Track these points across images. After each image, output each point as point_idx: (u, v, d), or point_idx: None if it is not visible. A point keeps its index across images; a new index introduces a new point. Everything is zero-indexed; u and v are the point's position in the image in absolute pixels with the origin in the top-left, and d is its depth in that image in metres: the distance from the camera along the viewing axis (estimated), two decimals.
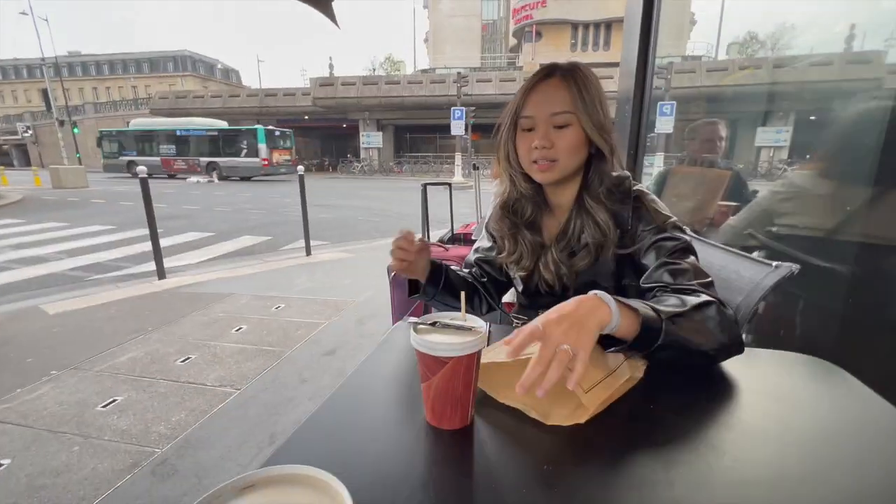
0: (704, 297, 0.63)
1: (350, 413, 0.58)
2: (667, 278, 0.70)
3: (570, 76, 0.76)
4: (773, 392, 0.61)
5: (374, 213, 8.64)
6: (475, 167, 3.28)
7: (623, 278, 0.80)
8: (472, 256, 0.98)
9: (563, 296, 0.88)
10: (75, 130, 24.40)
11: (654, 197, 0.80)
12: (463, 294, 0.60)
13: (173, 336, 2.64)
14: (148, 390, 2.04)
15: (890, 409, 0.58)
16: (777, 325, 1.22)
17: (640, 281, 0.75)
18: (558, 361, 0.48)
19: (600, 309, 0.54)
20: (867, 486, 0.44)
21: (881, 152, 1.08)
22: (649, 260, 0.75)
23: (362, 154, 24.20)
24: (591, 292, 0.57)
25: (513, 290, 1.14)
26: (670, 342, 0.57)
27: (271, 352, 2.42)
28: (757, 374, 0.63)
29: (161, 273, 3.89)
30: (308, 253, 4.79)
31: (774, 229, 1.30)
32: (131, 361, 2.32)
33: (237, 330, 2.72)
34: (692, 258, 0.73)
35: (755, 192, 1.93)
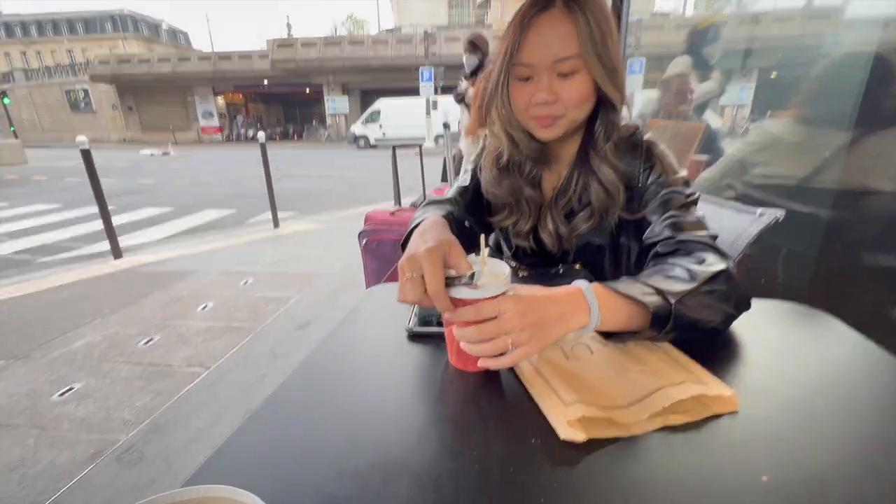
0: (714, 267, 0.56)
1: (301, 410, 0.52)
2: (669, 232, 0.65)
3: (574, 6, 0.61)
4: (763, 342, 0.59)
5: (343, 182, 8.37)
6: (445, 126, 3.15)
7: (620, 236, 0.75)
8: (452, 195, 0.86)
9: (562, 258, 0.82)
10: (6, 101, 22.22)
11: (665, 149, 0.73)
12: (483, 237, 0.53)
13: (134, 318, 2.49)
14: (109, 376, 1.92)
15: (874, 349, 0.56)
16: (757, 274, 1.22)
17: (643, 237, 0.69)
18: (493, 345, 0.47)
19: (576, 316, 0.49)
20: (865, 429, 0.42)
21: (861, 97, 1.05)
22: (654, 215, 0.69)
23: (328, 121, 23.24)
24: (577, 285, 0.52)
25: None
26: (679, 325, 0.51)
27: (241, 328, 2.32)
28: (746, 325, 0.60)
29: (117, 252, 3.65)
30: (276, 225, 4.59)
31: (750, 180, 1.28)
32: (88, 347, 2.17)
33: (203, 308, 2.59)
34: (699, 213, 0.67)
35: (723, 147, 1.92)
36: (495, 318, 0.46)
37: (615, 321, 0.51)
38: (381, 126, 17.24)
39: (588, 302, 0.49)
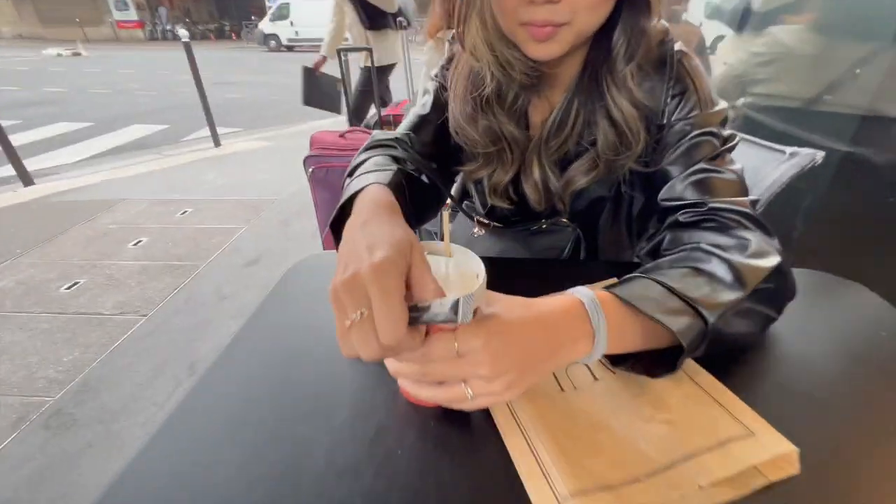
0: (765, 262, 0.40)
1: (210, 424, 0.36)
2: (695, 195, 0.48)
3: None
4: (804, 336, 0.47)
5: (291, 91, 7.51)
6: (401, 25, 2.68)
7: (622, 185, 0.58)
8: (402, 132, 0.64)
9: (551, 215, 0.65)
10: None
11: (699, 65, 0.53)
12: (445, 215, 0.37)
13: (52, 258, 2.18)
14: (26, 328, 1.70)
15: None
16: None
17: (659, 196, 0.53)
18: (444, 392, 0.33)
19: (574, 345, 0.34)
20: None
21: None
22: (676, 167, 0.51)
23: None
24: (577, 295, 0.36)
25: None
26: (711, 345, 0.37)
27: (181, 267, 2.09)
28: None
29: (25, 178, 3.15)
30: (216, 143, 4.09)
31: (753, 101, 1.12)
32: None
33: (135, 244, 2.30)
34: (737, 166, 0.50)
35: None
36: (453, 349, 0.30)
37: (625, 345, 0.37)
38: (292, 23, 15.04)
39: (592, 324, 0.34)
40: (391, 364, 0.33)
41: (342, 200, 0.46)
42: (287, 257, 2.19)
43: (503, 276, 0.55)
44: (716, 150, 0.49)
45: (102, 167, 3.59)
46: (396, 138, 0.61)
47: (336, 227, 0.46)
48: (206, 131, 4.13)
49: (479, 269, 0.33)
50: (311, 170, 1.77)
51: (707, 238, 0.44)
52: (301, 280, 0.60)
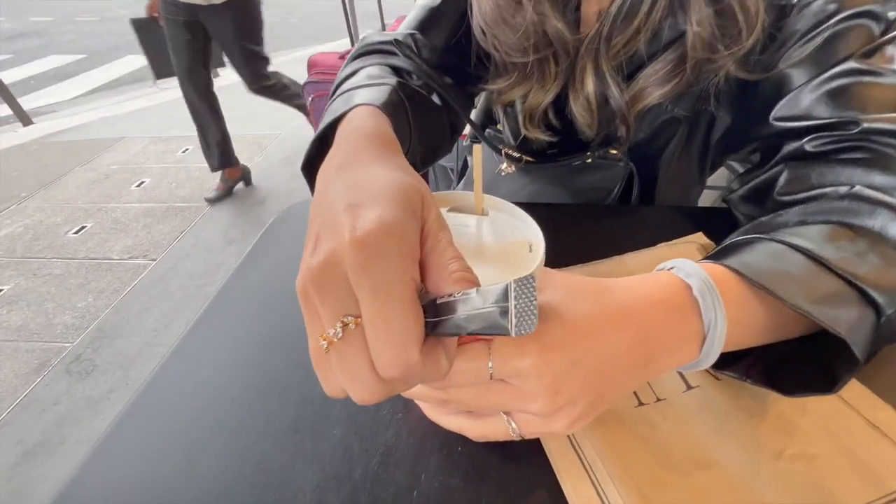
0: None
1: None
2: (834, 109, 0.34)
3: None
4: None
5: (293, 11, 6.89)
6: None
7: (706, 101, 0.44)
8: (404, 32, 0.48)
9: (602, 144, 0.51)
10: None
11: None
12: (477, 150, 0.24)
13: (57, 201, 2.13)
14: (39, 274, 1.68)
15: None
16: None
17: (774, 113, 0.38)
18: (481, 426, 0.24)
19: (676, 352, 0.23)
20: None
21: None
22: (802, 70, 0.36)
23: None
24: (676, 272, 0.24)
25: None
26: (877, 342, 0.24)
27: (186, 209, 2.02)
28: None
29: (24, 118, 3.03)
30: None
31: None
32: (9, 240, 1.87)
33: (138, 185, 2.22)
34: None
35: None
36: (486, 371, 0.20)
37: (744, 341, 0.25)
38: None
39: (703, 321, 0.23)
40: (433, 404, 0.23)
41: (318, 131, 0.33)
42: (293, 197, 2.09)
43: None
44: (873, 40, 0.34)
45: (99, 104, 3.42)
46: (396, 40, 0.45)
47: (310, 171, 0.34)
48: None
49: (534, 235, 0.22)
50: (310, 98, 1.61)
51: (858, 177, 0.30)
52: (289, 232, 0.50)
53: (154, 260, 1.72)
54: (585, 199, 0.58)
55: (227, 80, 3.80)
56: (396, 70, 0.43)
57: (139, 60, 4.64)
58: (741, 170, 0.66)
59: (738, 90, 0.44)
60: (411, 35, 0.47)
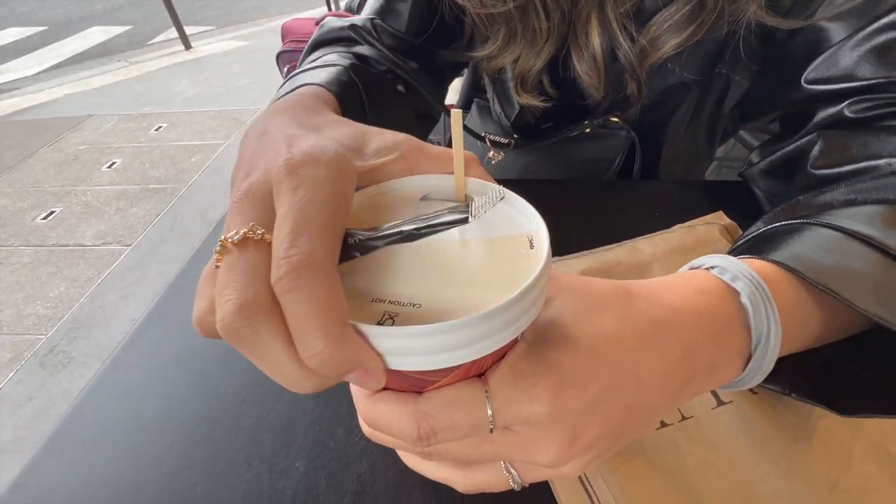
0: None
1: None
2: (876, 70, 0.29)
3: None
4: None
5: None
6: None
7: (720, 63, 0.38)
8: (364, 17, 0.43)
9: (607, 110, 0.45)
10: None
11: None
12: (456, 116, 0.17)
13: (22, 184, 2.01)
14: (7, 263, 1.60)
15: None
16: None
17: (808, 75, 0.32)
18: (478, 478, 0.19)
19: (714, 375, 0.19)
20: None
21: None
22: (845, 19, 0.30)
23: None
24: (718, 275, 0.20)
25: (461, 82, 0.68)
26: None
27: (161, 190, 1.92)
28: None
29: None
30: (186, 46, 3.62)
31: None
32: None
33: (109, 166, 2.10)
34: None
35: None
36: (485, 424, 0.15)
37: (795, 347, 0.21)
38: None
39: (752, 334, 0.18)
40: (357, 406, 0.18)
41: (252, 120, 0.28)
42: None
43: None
44: None
45: (64, 79, 3.22)
46: (354, 26, 0.41)
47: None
48: (174, 32, 3.63)
49: (535, 225, 0.17)
50: (286, 68, 1.49)
51: None
52: None
53: (129, 245, 1.64)
54: (583, 171, 0.52)
55: (203, 52, 3.61)
56: (359, 58, 0.39)
57: (105, 31, 4.38)
58: (754, 142, 0.61)
59: (762, 47, 0.38)
60: (371, 20, 0.42)
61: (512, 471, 0.18)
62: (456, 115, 0.17)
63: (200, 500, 0.23)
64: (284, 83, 0.34)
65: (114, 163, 2.12)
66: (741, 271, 0.19)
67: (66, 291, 1.47)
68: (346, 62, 0.35)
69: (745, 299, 0.18)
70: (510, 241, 0.16)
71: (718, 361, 0.18)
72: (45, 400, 1.16)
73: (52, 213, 1.82)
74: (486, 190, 0.19)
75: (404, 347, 0.14)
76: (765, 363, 0.18)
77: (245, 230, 0.14)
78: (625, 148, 0.49)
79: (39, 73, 3.49)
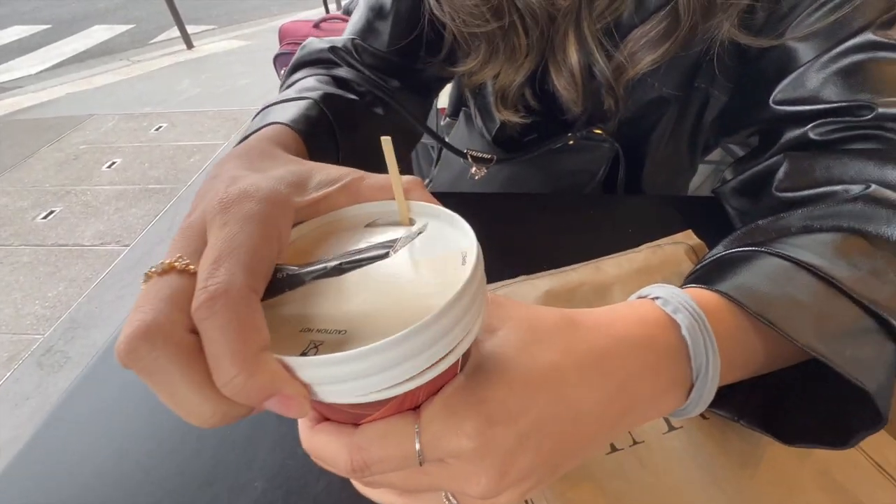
0: None
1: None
2: (841, 92, 0.29)
3: None
4: None
5: None
6: None
7: (697, 77, 0.38)
8: (345, 38, 0.44)
9: (586, 124, 0.45)
10: None
11: None
12: (384, 144, 0.17)
13: (23, 184, 2.03)
14: (6, 262, 1.61)
15: None
16: None
17: (774, 95, 0.33)
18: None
19: (656, 404, 0.19)
20: None
21: None
22: (813, 38, 0.30)
23: None
24: (661, 306, 0.20)
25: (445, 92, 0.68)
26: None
27: (160, 191, 1.93)
28: None
29: None
30: (188, 45, 3.63)
31: None
32: None
33: (109, 166, 2.12)
34: None
35: None
36: (414, 457, 0.16)
37: (738, 376, 0.21)
38: None
39: (692, 366, 0.19)
40: (304, 440, 0.18)
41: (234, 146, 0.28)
42: None
43: (505, 218, 0.39)
44: (894, 6, 0.28)
45: (65, 78, 3.24)
46: (333, 47, 0.42)
47: None
48: (176, 31, 3.64)
49: (469, 241, 0.17)
50: (283, 71, 1.50)
51: (871, 172, 0.26)
52: None
53: (128, 245, 1.65)
54: (567, 183, 0.52)
55: (204, 51, 3.62)
56: (337, 81, 0.40)
57: (107, 30, 4.40)
58: (741, 153, 0.61)
59: (736, 65, 0.38)
60: (352, 41, 0.43)
61: (451, 499, 0.18)
62: (386, 142, 0.17)
63: None
64: (255, 116, 0.34)
65: (114, 162, 2.14)
66: (682, 303, 0.19)
67: (64, 291, 1.48)
68: (318, 93, 0.35)
69: (684, 331, 0.19)
70: (442, 260, 0.17)
71: (660, 391, 0.19)
72: (42, 399, 1.18)
73: (51, 212, 1.84)
74: (429, 212, 0.19)
75: (326, 376, 0.14)
76: (705, 393, 0.19)
77: (170, 260, 0.15)
78: (608, 159, 0.50)
79: (42, 71, 3.51)
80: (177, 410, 0.14)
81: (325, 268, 0.16)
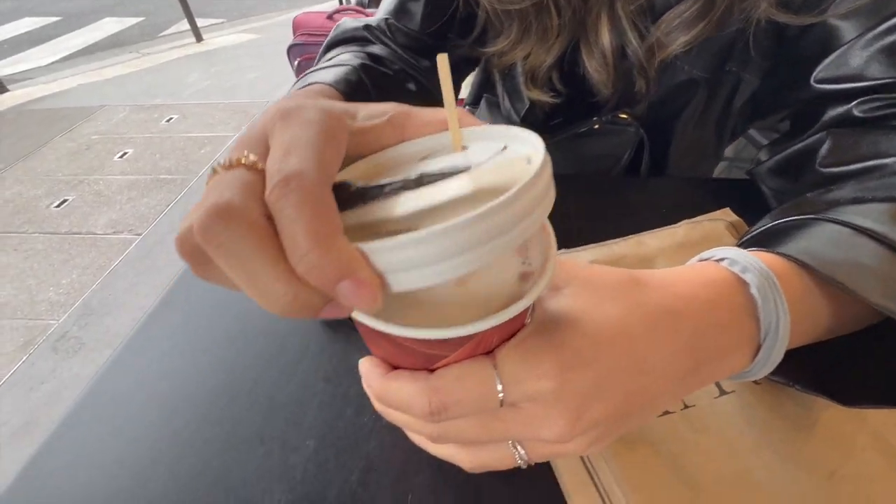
0: None
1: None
2: (886, 69, 0.29)
3: None
4: None
5: None
6: None
7: (730, 61, 0.38)
8: (379, 18, 0.45)
9: (616, 106, 0.45)
10: None
11: None
12: (441, 60, 0.16)
13: (36, 173, 2.04)
14: (20, 249, 1.62)
15: None
16: None
17: (817, 74, 0.32)
18: (486, 454, 0.19)
19: (722, 363, 0.19)
20: None
21: None
22: (856, 16, 0.30)
23: None
24: (728, 266, 0.20)
25: (473, 78, 0.68)
26: None
27: (171, 181, 1.94)
28: None
29: None
30: (198, 38, 3.64)
31: None
32: None
33: (121, 156, 2.13)
34: None
35: None
36: (495, 398, 0.16)
37: (802, 341, 0.21)
38: None
39: (761, 324, 0.19)
40: (370, 384, 0.18)
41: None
42: None
43: None
44: None
45: (76, 69, 3.26)
46: (368, 26, 0.43)
47: None
48: (186, 24, 3.65)
49: (534, 146, 0.16)
50: (297, 62, 1.51)
51: None
52: None
53: (140, 234, 1.66)
54: (591, 168, 0.53)
55: (213, 44, 3.63)
56: (371, 57, 0.41)
57: (118, 23, 4.41)
58: (764, 141, 0.61)
59: (773, 45, 0.38)
60: (385, 20, 0.43)
61: (519, 448, 0.18)
62: (442, 59, 0.16)
63: (215, 474, 0.24)
64: (297, 81, 0.35)
65: (126, 153, 2.15)
66: (750, 263, 0.19)
67: (77, 279, 1.50)
68: (357, 62, 0.36)
69: (754, 290, 0.19)
70: (509, 165, 0.16)
71: (727, 350, 0.19)
72: (57, 384, 1.19)
73: (64, 201, 1.85)
74: (487, 134, 0.18)
75: (401, 260, 0.13)
76: (773, 355, 0.19)
77: (237, 156, 0.14)
78: (633, 144, 0.50)
79: (53, 63, 3.53)
80: (249, 290, 0.13)
81: (404, 180, 0.16)
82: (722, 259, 0.20)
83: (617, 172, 0.52)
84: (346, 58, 0.39)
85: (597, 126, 0.47)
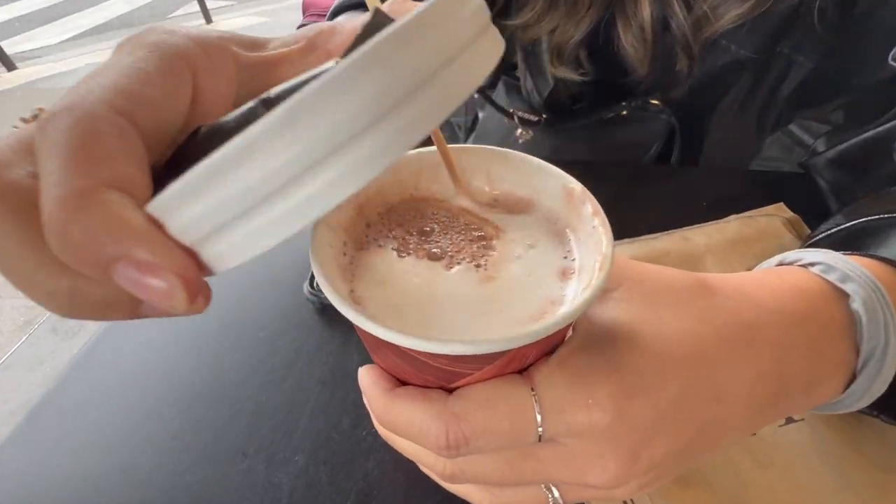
0: None
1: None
2: None
3: None
4: None
5: None
6: None
7: (782, 40, 0.34)
8: None
9: (648, 90, 0.41)
10: None
11: None
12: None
13: None
14: None
15: None
16: None
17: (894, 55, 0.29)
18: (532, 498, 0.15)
19: (810, 392, 0.14)
20: None
21: None
22: None
23: None
24: (821, 273, 0.15)
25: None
26: None
27: None
28: None
29: (7, 62, 2.86)
30: (207, 20, 3.61)
31: None
32: None
33: None
34: None
35: None
36: (532, 431, 0.12)
37: None
38: None
39: (862, 347, 0.15)
40: (372, 402, 0.15)
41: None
42: None
43: None
44: None
45: (85, 49, 3.24)
46: None
47: None
48: (196, 5, 3.62)
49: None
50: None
51: None
52: None
53: None
54: (616, 158, 0.48)
55: (223, 26, 3.60)
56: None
57: (127, 4, 4.38)
58: (802, 136, 0.56)
59: (839, 20, 0.33)
60: None
61: (553, 492, 0.15)
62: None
63: (191, 489, 0.21)
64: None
65: None
66: (852, 270, 0.15)
67: None
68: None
69: (857, 305, 0.15)
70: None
71: (816, 378, 0.15)
72: (57, 364, 1.18)
73: None
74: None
75: (219, 203, 0.09)
76: (876, 384, 0.15)
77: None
78: (664, 134, 0.45)
79: (62, 42, 3.50)
80: (12, 281, 0.10)
81: (249, 108, 0.12)
82: (812, 264, 0.16)
83: (645, 163, 0.48)
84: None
85: (625, 112, 0.43)
